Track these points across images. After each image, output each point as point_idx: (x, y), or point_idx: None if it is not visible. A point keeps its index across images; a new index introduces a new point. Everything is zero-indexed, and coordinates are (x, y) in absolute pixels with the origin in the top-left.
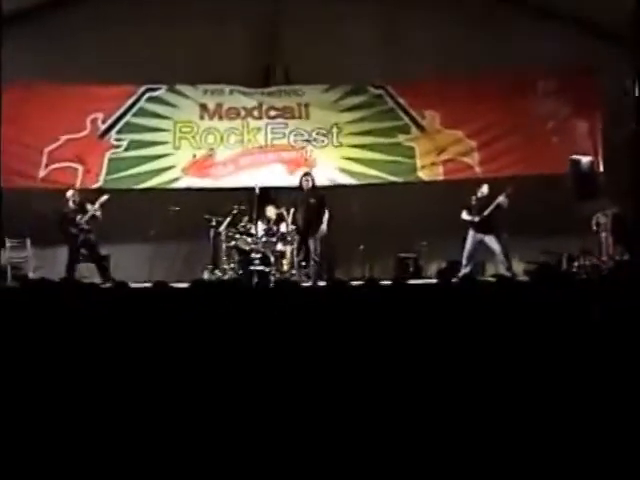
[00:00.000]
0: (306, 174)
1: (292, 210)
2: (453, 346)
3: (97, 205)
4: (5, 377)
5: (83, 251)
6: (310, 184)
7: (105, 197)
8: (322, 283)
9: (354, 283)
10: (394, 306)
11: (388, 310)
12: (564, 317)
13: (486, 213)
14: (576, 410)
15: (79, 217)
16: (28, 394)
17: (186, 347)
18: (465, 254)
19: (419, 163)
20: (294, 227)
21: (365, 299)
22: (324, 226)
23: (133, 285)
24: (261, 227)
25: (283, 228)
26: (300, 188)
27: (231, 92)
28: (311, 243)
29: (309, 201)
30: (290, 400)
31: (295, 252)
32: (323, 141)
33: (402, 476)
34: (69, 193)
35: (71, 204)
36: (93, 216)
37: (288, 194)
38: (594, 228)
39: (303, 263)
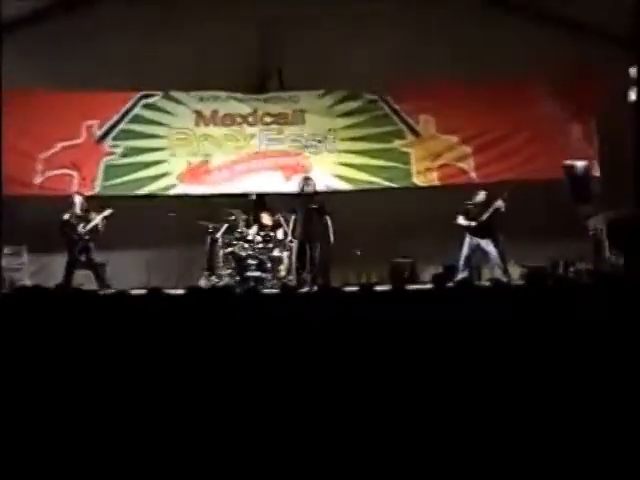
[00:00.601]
0: (306, 178)
1: (293, 216)
2: (448, 350)
3: (100, 217)
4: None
5: (81, 258)
6: (311, 188)
7: (109, 211)
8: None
9: (347, 289)
10: (388, 312)
11: (382, 316)
12: (558, 321)
13: (484, 218)
14: (566, 411)
15: (81, 225)
16: (22, 400)
17: (180, 353)
18: (461, 259)
19: (414, 169)
20: (292, 233)
21: (358, 305)
22: (331, 236)
23: (128, 292)
24: (257, 233)
25: (280, 234)
26: (300, 193)
27: (226, 98)
28: (309, 249)
29: (310, 206)
30: (282, 405)
31: (294, 258)
32: (318, 147)
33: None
34: (77, 198)
35: (77, 210)
36: (95, 226)
37: (285, 200)
38: (590, 232)
39: (300, 270)
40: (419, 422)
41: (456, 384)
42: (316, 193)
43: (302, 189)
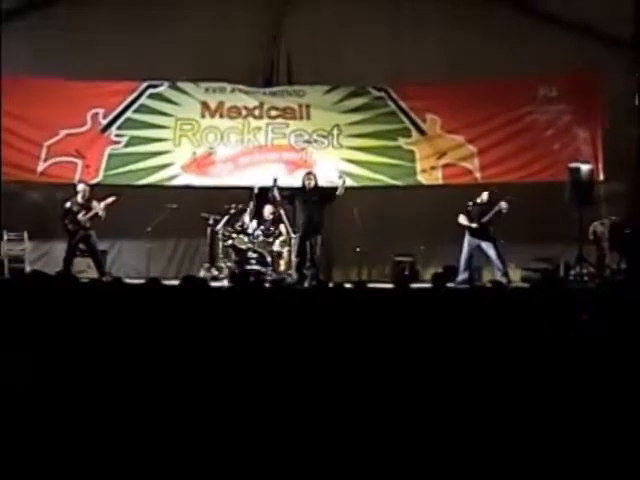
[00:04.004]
0: (309, 173)
1: (292, 209)
2: (444, 350)
3: (102, 205)
4: None
5: (81, 246)
6: (312, 183)
7: (112, 199)
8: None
9: (346, 286)
10: (383, 310)
11: (376, 313)
12: (559, 325)
13: (486, 219)
14: (561, 414)
15: (82, 213)
16: (17, 386)
17: (174, 343)
18: (462, 260)
19: (419, 167)
20: (290, 227)
21: (354, 302)
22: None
23: (127, 281)
24: (258, 227)
25: (281, 229)
26: (302, 187)
27: (233, 91)
28: (309, 244)
29: (311, 200)
30: (273, 400)
31: (294, 253)
32: (323, 142)
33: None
34: (80, 187)
35: (80, 198)
36: (96, 214)
37: (286, 195)
38: (591, 236)
39: (301, 265)
40: (415, 421)
41: (454, 386)
42: (317, 187)
43: (304, 184)
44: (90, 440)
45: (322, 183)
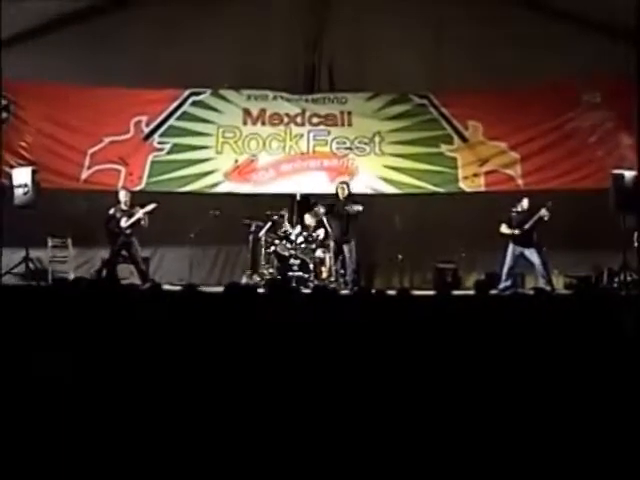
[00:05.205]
0: (342, 182)
1: (325, 218)
2: (486, 357)
3: (143, 212)
4: (37, 373)
5: (123, 252)
6: (346, 192)
7: (153, 205)
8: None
9: (388, 293)
10: (426, 317)
11: (419, 321)
12: (602, 332)
13: (527, 227)
14: (604, 425)
15: (124, 220)
16: (58, 390)
17: (214, 349)
18: (505, 268)
19: (461, 174)
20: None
21: (396, 309)
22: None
23: (166, 287)
24: (300, 234)
25: (322, 235)
26: (336, 196)
27: (274, 98)
28: (346, 250)
29: (344, 208)
30: (314, 410)
31: (332, 259)
32: (365, 149)
33: None
34: (122, 193)
35: (122, 205)
36: (138, 221)
37: (327, 202)
38: (635, 244)
39: (342, 271)
40: (462, 429)
41: (499, 392)
42: (350, 196)
43: (337, 192)
44: (125, 440)
45: (364, 190)
